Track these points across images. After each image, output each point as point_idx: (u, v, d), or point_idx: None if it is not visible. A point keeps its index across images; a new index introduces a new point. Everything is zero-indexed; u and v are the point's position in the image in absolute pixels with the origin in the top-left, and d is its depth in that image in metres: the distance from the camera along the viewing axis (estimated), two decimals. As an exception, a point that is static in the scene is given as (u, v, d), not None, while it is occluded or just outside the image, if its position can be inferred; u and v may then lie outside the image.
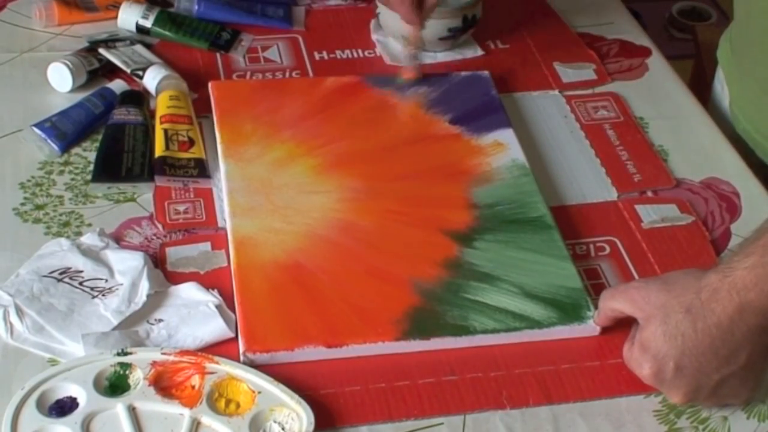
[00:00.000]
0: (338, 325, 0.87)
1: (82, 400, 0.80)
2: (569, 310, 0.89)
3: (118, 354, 0.82)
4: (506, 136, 1.08)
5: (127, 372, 0.82)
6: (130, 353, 0.83)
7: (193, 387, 0.81)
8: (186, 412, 0.79)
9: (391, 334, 0.87)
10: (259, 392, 0.80)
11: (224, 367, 0.82)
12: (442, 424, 0.82)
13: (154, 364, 0.82)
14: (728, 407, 0.84)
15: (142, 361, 0.82)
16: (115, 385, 0.81)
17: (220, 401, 0.80)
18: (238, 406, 0.80)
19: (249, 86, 1.15)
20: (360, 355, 0.86)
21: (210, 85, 1.13)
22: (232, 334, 0.86)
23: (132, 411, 0.80)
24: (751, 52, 1.10)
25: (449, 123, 1.09)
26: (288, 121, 1.08)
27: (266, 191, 0.99)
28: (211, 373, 0.82)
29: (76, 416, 0.79)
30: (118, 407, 0.80)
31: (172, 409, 0.80)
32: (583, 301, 0.90)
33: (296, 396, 0.79)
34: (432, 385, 0.84)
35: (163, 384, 0.81)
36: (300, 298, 0.89)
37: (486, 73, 1.17)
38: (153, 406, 0.80)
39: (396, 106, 1.11)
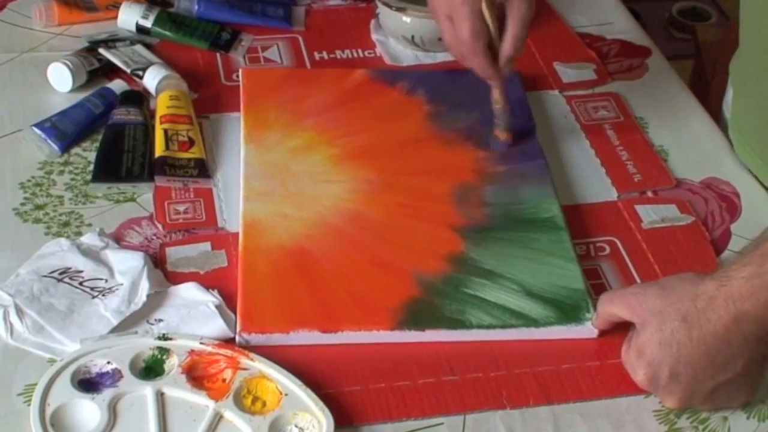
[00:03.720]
0: (335, 312, 0.88)
1: (115, 379, 0.81)
2: (568, 311, 0.89)
3: (159, 338, 0.84)
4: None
5: (164, 357, 0.83)
6: (171, 338, 0.84)
7: (223, 380, 0.81)
8: (211, 405, 0.80)
9: (386, 323, 0.87)
10: (286, 394, 0.80)
11: (258, 364, 0.82)
12: (442, 424, 0.82)
13: (191, 352, 0.83)
14: (727, 409, 0.84)
15: (180, 348, 0.83)
16: (150, 368, 0.82)
17: (247, 398, 0.81)
18: (263, 405, 0.80)
19: (278, 75, 1.16)
20: (354, 342, 0.86)
21: (240, 72, 1.15)
22: (232, 335, 0.86)
23: (160, 396, 0.80)
24: (756, 74, 1.09)
25: (472, 121, 1.09)
26: (312, 111, 1.09)
27: (282, 177, 1.00)
28: (244, 369, 0.82)
29: (105, 395, 0.80)
30: (147, 390, 0.80)
31: (199, 399, 0.80)
32: (584, 303, 0.90)
33: (321, 404, 0.79)
34: (432, 385, 0.84)
35: (196, 374, 0.82)
36: (301, 283, 0.90)
37: (515, 73, 1.17)
38: (181, 393, 0.81)
39: (420, 102, 1.12)
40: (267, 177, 1.00)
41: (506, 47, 0.98)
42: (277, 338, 0.86)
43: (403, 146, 1.06)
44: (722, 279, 0.78)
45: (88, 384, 0.81)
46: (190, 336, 0.84)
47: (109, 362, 0.82)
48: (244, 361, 0.82)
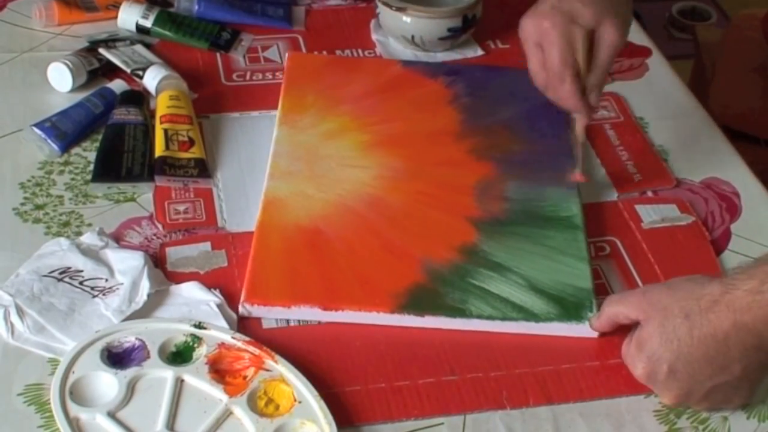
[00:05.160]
0: (339, 291, 0.89)
1: (141, 359, 0.82)
2: (571, 309, 0.89)
3: (195, 326, 0.84)
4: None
5: (195, 345, 0.84)
6: (206, 328, 0.84)
7: (244, 377, 0.82)
8: (225, 399, 0.80)
9: (387, 306, 0.88)
10: (300, 402, 0.80)
11: (280, 367, 0.82)
12: (442, 424, 0.82)
13: (221, 345, 0.84)
14: (725, 410, 0.84)
15: (211, 339, 0.84)
16: (178, 354, 0.84)
17: (262, 399, 0.81)
18: (276, 408, 0.80)
19: (322, 61, 1.19)
20: (353, 322, 0.88)
21: (287, 54, 1.17)
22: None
23: (179, 383, 0.81)
24: None
25: (507, 117, 1.11)
26: (349, 97, 1.11)
27: (309, 159, 1.02)
28: (267, 370, 0.82)
29: (128, 372, 0.81)
30: (168, 375, 0.81)
31: (215, 393, 0.81)
32: (588, 302, 0.90)
33: (330, 417, 0.79)
34: (432, 385, 0.84)
35: (220, 366, 0.83)
36: (310, 261, 0.92)
37: None
38: (199, 384, 0.81)
39: (457, 95, 1.13)
40: (295, 157, 1.02)
41: (593, 76, 0.96)
42: (278, 312, 0.87)
43: (433, 137, 1.08)
44: (728, 285, 0.78)
45: (115, 358, 0.82)
46: (224, 329, 0.85)
47: (140, 341, 0.83)
48: (268, 362, 0.83)
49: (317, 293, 0.88)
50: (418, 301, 0.89)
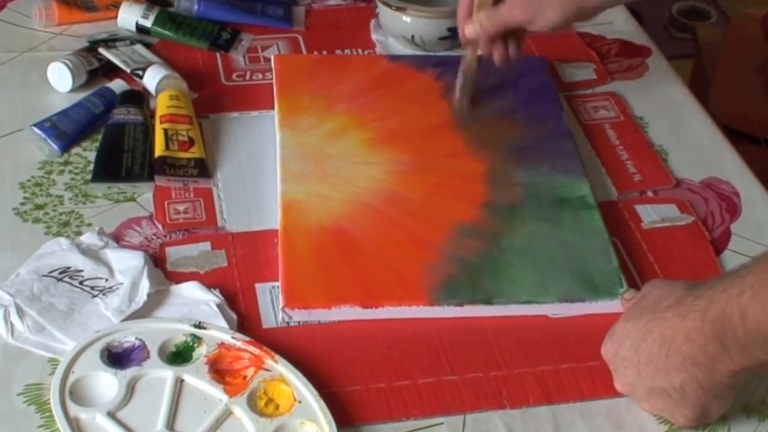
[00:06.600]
0: (375, 288, 0.90)
1: (141, 359, 0.82)
2: (602, 287, 0.91)
3: (195, 326, 0.85)
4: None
5: (195, 345, 0.84)
6: (206, 328, 0.85)
7: (244, 377, 0.82)
8: (225, 399, 0.80)
9: (425, 299, 0.89)
10: (300, 402, 0.80)
11: (280, 367, 0.82)
12: (441, 424, 0.82)
13: (220, 345, 0.84)
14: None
15: (211, 339, 0.84)
16: (178, 354, 0.84)
17: (262, 399, 0.81)
18: (276, 408, 0.80)
19: (310, 61, 1.19)
20: (394, 317, 0.88)
21: (272, 58, 1.17)
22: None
23: (179, 383, 0.81)
24: None
25: (501, 105, 1.12)
26: (344, 96, 1.11)
27: (318, 159, 1.02)
28: (266, 370, 0.82)
29: (128, 372, 0.81)
30: (167, 375, 0.81)
31: (215, 392, 0.81)
32: (616, 278, 0.92)
33: (330, 417, 0.79)
34: (432, 384, 0.84)
35: (220, 366, 0.83)
36: (340, 261, 0.92)
37: (541, 58, 1.21)
38: (199, 384, 0.81)
39: (448, 86, 1.13)
40: (303, 159, 1.02)
41: (483, 12, 1.03)
42: (319, 314, 0.88)
43: (433, 129, 1.08)
44: (693, 293, 0.77)
45: (115, 358, 0.82)
46: (223, 329, 0.85)
47: (140, 341, 0.83)
48: (268, 362, 0.83)
49: (355, 292, 0.89)
50: (455, 291, 0.90)
